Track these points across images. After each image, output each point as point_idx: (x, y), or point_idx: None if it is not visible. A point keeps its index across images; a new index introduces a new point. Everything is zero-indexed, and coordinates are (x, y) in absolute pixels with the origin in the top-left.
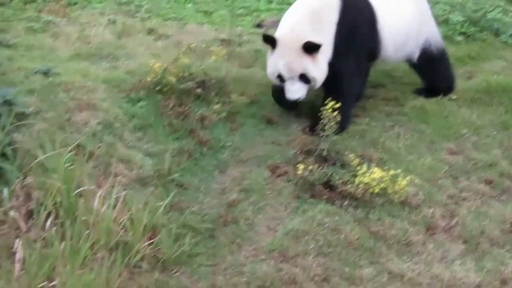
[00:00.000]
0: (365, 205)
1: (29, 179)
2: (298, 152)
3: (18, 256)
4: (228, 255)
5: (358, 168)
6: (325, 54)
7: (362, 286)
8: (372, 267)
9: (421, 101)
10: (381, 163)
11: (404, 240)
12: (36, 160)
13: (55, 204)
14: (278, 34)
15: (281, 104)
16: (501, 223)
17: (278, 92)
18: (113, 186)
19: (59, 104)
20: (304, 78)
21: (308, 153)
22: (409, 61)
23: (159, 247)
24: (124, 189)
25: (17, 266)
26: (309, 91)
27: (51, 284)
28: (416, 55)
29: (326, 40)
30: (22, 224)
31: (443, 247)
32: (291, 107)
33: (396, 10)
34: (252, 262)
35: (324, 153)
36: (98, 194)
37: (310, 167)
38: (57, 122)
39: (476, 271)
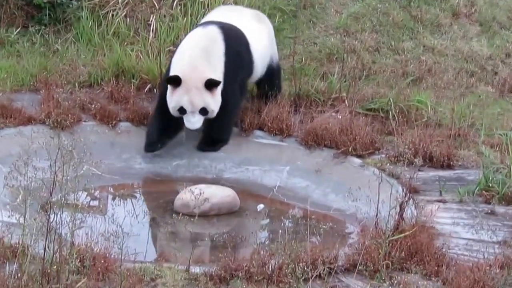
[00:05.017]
0: None
1: None
2: None
3: (153, 27)
4: (306, 30)
5: None
6: (220, 85)
7: (404, 55)
8: (411, 41)
9: None
10: None
11: (436, 22)
12: None
13: None
14: (179, 73)
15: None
16: (508, 11)
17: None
18: None
19: None
20: (203, 111)
21: None
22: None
23: None
24: None
25: (151, 34)
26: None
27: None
28: (264, 71)
29: (220, 72)
30: (155, 3)
31: (464, 28)
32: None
33: (258, 36)
34: (324, 36)
35: None
36: None
37: None
38: None
39: (488, 46)
